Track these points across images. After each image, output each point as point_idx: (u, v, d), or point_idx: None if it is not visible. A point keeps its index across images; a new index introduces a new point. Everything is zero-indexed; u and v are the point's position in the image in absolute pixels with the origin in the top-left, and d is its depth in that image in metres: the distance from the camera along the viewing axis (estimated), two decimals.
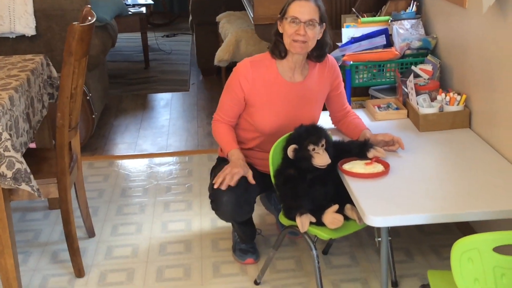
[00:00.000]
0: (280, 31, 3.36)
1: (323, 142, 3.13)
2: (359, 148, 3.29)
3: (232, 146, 3.36)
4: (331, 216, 3.08)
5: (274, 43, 3.37)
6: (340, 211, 3.16)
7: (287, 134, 3.27)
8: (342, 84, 3.63)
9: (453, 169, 3.21)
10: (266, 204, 4.18)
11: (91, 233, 4.20)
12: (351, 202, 3.13)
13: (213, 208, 3.44)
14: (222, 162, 3.57)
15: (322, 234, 3.15)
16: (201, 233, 4.21)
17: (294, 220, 3.13)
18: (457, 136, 3.62)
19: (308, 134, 3.14)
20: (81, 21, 3.62)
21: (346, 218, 3.17)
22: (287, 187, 3.20)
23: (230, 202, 3.29)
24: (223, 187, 3.20)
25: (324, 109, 3.73)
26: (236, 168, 3.24)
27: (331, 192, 3.23)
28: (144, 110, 6.67)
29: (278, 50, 3.35)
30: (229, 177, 3.22)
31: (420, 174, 3.16)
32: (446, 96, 3.80)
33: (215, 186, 3.22)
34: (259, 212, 4.37)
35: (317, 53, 3.41)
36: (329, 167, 3.19)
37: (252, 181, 3.25)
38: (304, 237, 3.21)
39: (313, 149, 3.14)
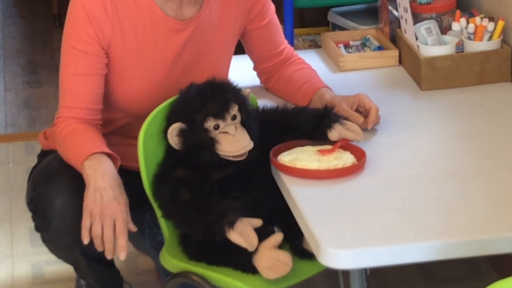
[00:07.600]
0: None
1: (235, 110, 2.54)
2: (313, 122, 2.66)
3: (92, 148, 2.61)
4: (270, 255, 2.46)
5: None
6: (288, 243, 2.55)
7: (166, 102, 2.68)
8: (272, 8, 2.99)
9: (483, 161, 2.69)
10: (135, 236, 3.45)
11: None
12: None
13: (37, 228, 2.72)
14: (46, 157, 2.84)
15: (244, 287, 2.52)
16: None
17: (207, 250, 2.51)
18: (489, 99, 3.10)
19: (203, 98, 2.54)
20: None
21: (301, 253, 2.56)
22: (179, 205, 2.54)
23: (70, 208, 2.59)
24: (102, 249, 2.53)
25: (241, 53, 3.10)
26: (110, 205, 2.52)
27: (266, 204, 2.59)
28: None
29: None
30: (99, 229, 2.52)
31: (421, 170, 2.64)
32: (468, 23, 3.22)
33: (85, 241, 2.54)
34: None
35: None
36: (256, 158, 2.58)
37: (133, 228, 2.57)
38: None
39: (216, 127, 2.53)
